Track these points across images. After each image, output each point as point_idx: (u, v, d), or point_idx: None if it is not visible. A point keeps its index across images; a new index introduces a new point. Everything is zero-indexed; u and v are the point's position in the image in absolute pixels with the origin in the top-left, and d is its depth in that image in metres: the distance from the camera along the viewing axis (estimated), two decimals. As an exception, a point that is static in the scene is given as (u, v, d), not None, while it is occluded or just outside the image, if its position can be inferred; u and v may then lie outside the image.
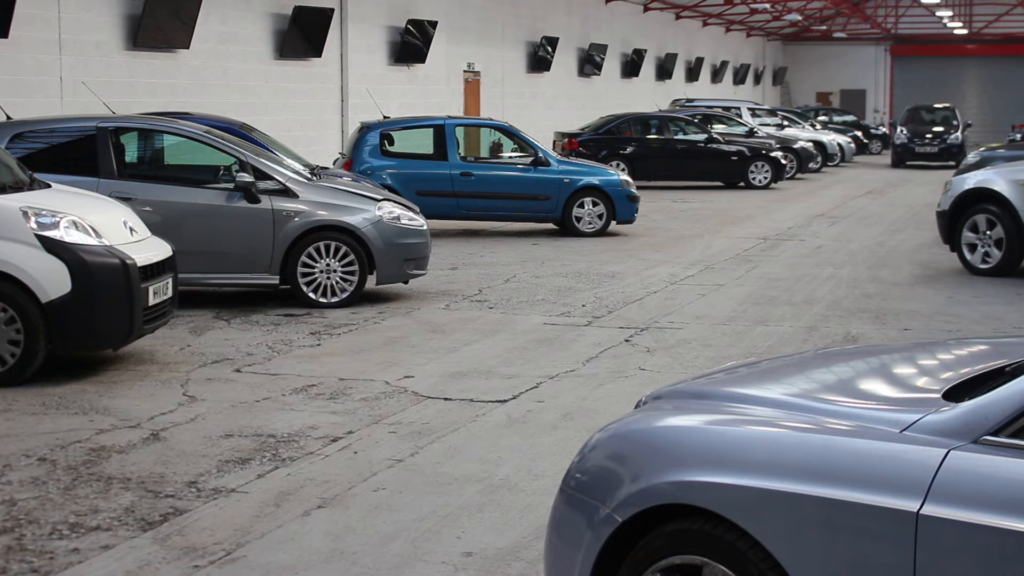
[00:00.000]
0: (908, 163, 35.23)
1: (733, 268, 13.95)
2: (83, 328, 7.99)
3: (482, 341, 9.69)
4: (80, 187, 9.44)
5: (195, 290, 11.29)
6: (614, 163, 24.08)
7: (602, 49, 34.90)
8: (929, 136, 35.38)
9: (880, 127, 47.02)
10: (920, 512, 3.00)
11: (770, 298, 11.78)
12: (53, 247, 7.92)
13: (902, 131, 35.72)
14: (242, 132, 13.18)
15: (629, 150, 26.10)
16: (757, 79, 52.74)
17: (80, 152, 10.77)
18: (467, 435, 6.95)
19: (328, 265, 11.02)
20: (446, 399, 7.78)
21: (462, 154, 18.00)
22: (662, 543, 3.44)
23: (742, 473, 3.28)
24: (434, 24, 25.12)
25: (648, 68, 39.37)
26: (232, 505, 5.70)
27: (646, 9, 38.95)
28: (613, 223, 17.30)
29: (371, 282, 11.34)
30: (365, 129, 17.04)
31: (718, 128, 28.67)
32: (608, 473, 3.62)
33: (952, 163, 32.71)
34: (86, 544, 5.17)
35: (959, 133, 35.55)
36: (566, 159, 18.67)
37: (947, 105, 38.46)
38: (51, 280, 7.87)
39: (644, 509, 3.46)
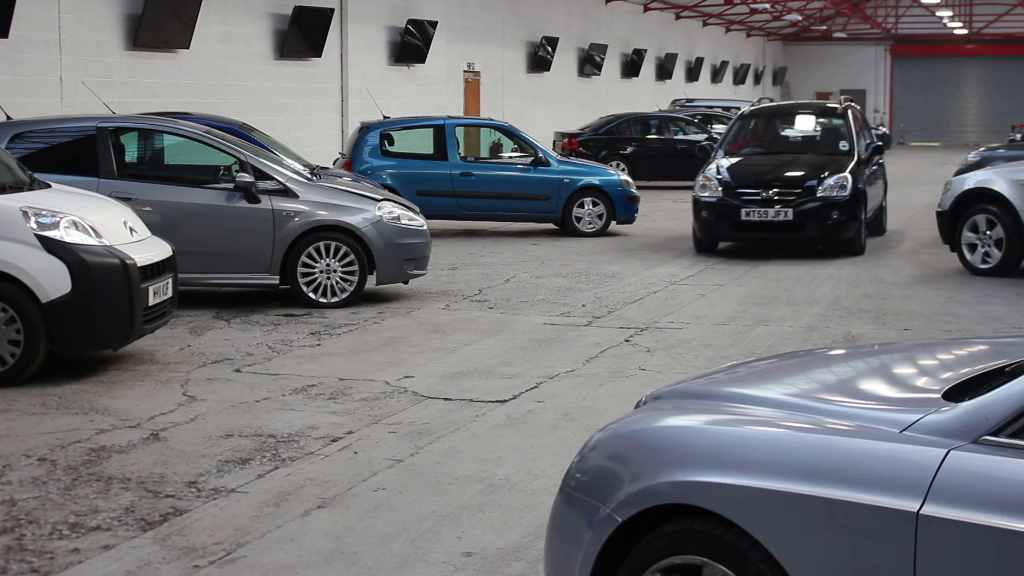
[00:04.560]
0: (725, 243, 15.53)
1: (733, 268, 13.94)
2: (83, 328, 7.99)
3: (482, 341, 9.69)
4: (80, 187, 9.44)
5: (195, 290, 11.28)
6: (614, 163, 24.09)
7: (602, 49, 34.90)
8: (776, 185, 14.66)
9: (880, 127, 47.03)
10: (920, 512, 3.00)
11: (770, 298, 11.78)
12: (53, 247, 7.92)
13: (719, 170, 15.13)
14: (242, 132, 13.19)
15: (629, 150, 26.11)
16: (757, 79, 52.76)
17: (80, 152, 10.77)
18: (467, 435, 6.95)
19: (328, 265, 11.02)
20: (446, 399, 7.78)
21: (462, 154, 18.02)
22: (662, 543, 3.44)
23: (742, 473, 3.28)
24: (434, 24, 25.12)
25: (648, 68, 39.38)
26: (232, 505, 5.70)
27: (646, 9, 38.95)
28: (613, 223, 17.30)
29: (371, 282, 11.34)
30: (365, 129, 17.05)
31: (718, 128, 28.65)
32: (608, 473, 3.62)
33: (828, 239, 14.81)
34: (86, 544, 5.17)
35: (846, 174, 14.71)
36: (566, 159, 18.69)
37: (835, 105, 17.29)
38: (51, 280, 7.87)
39: (644, 509, 3.46)
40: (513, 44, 30.13)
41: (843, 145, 15.90)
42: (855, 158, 15.37)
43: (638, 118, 27.48)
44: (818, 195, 14.51)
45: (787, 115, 18.12)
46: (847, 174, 14.78)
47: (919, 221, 19.28)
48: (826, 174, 14.74)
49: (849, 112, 16.55)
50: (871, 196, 15.64)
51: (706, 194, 14.88)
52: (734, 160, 15.62)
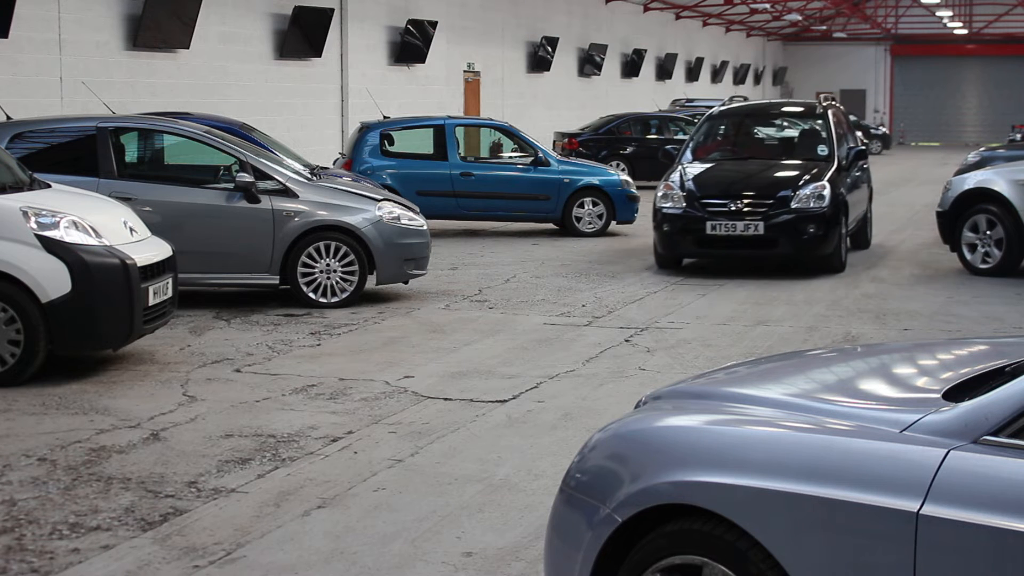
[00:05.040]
0: (690, 259, 13.93)
1: (732, 267, 13.93)
2: (83, 328, 7.99)
3: (482, 341, 9.69)
4: (80, 187, 9.44)
5: (195, 290, 11.28)
6: (614, 163, 24.08)
7: (602, 49, 34.90)
8: (746, 195, 13.22)
9: (880, 127, 47.04)
10: (920, 512, 3.00)
11: (770, 298, 11.77)
12: (53, 247, 7.92)
13: (683, 177, 13.61)
14: (242, 132, 13.19)
15: (629, 150, 26.10)
16: (757, 79, 52.77)
17: (80, 152, 10.77)
18: (467, 435, 6.95)
19: (328, 265, 11.02)
20: (446, 399, 7.78)
21: (462, 154, 18.03)
22: (662, 543, 3.44)
23: (742, 473, 3.28)
24: (434, 24, 25.12)
25: (648, 68, 39.38)
26: (232, 505, 5.70)
27: (646, 9, 38.95)
28: (613, 223, 17.30)
29: (371, 282, 11.34)
30: (365, 129, 17.06)
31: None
32: (608, 473, 3.62)
33: (804, 256, 13.24)
34: (86, 544, 5.17)
35: (824, 182, 13.28)
36: (566, 159, 18.70)
37: (814, 105, 15.61)
38: (51, 280, 7.87)
39: (644, 509, 3.46)
40: (513, 44, 30.13)
41: (822, 150, 14.31)
42: (835, 164, 13.85)
43: (638, 118, 27.47)
44: (793, 206, 12.99)
45: (760, 116, 16.50)
46: (825, 183, 13.23)
47: (919, 221, 19.28)
48: (802, 183, 13.22)
49: (829, 113, 14.85)
50: (853, 206, 14.11)
51: (668, 204, 13.32)
52: (700, 166, 14.04)
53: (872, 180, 16.24)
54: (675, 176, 13.67)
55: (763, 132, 16.10)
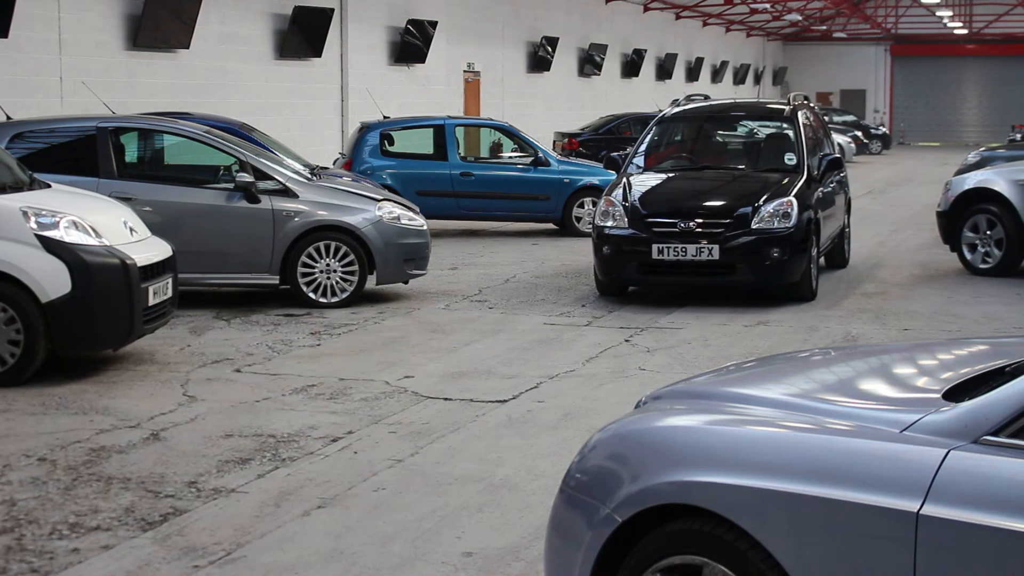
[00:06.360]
0: (634, 286, 11.97)
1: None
2: (83, 328, 7.99)
3: (482, 341, 9.69)
4: (80, 187, 9.44)
5: (195, 290, 11.28)
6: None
7: (602, 49, 34.90)
8: (699, 213, 11.28)
9: (880, 127, 47.04)
10: (920, 512, 3.00)
11: (769, 297, 11.75)
12: (53, 247, 7.92)
13: (627, 192, 11.70)
14: (242, 132, 13.19)
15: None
16: (757, 79, 52.77)
17: (80, 152, 10.77)
18: (467, 435, 6.95)
19: (328, 265, 11.02)
20: (446, 399, 7.78)
21: (462, 154, 18.05)
22: (662, 543, 3.44)
23: (742, 473, 3.28)
24: (434, 24, 25.12)
25: (648, 68, 39.37)
26: (232, 505, 5.70)
27: (646, 9, 38.94)
28: (613, 223, 17.29)
29: (371, 282, 11.34)
30: (365, 129, 17.07)
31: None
32: (608, 473, 3.62)
33: (767, 284, 11.35)
34: (86, 544, 5.17)
35: (790, 198, 11.38)
36: (566, 159, 18.71)
37: (782, 106, 13.54)
38: (51, 280, 7.87)
39: (644, 509, 3.46)
40: (513, 44, 30.13)
41: (790, 158, 12.35)
42: (804, 176, 11.89)
43: (638, 118, 27.45)
44: (753, 226, 11.09)
45: (719, 120, 14.01)
46: (791, 198, 11.32)
47: (919, 221, 19.28)
48: (764, 198, 11.28)
49: (799, 115, 12.85)
50: (825, 223, 12.25)
51: (609, 223, 11.42)
52: (647, 179, 12.18)
53: (850, 191, 14.83)
54: (618, 190, 11.82)
55: (722, 138, 14.06)
